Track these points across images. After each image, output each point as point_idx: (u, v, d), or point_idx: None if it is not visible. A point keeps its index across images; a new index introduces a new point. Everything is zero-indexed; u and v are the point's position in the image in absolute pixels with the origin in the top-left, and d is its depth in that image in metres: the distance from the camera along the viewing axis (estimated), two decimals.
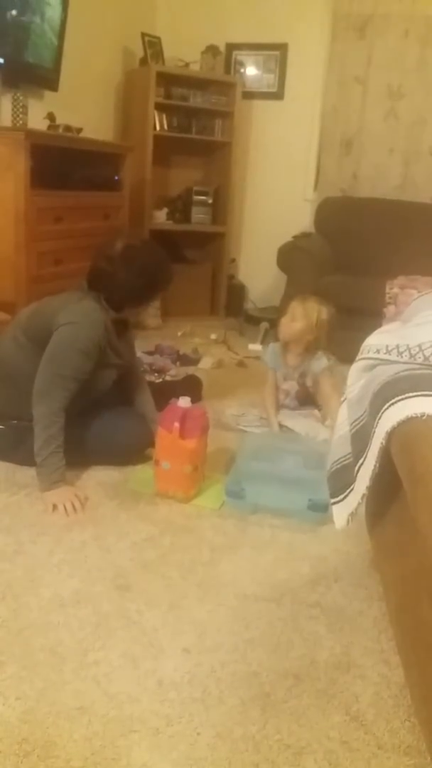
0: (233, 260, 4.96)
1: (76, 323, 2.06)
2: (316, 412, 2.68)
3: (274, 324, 3.99)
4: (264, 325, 4.22)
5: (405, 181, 4.45)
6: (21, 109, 3.12)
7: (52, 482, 2.00)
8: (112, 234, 2.23)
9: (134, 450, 2.30)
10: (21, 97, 3.12)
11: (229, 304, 4.87)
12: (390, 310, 3.40)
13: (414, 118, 4.35)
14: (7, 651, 1.40)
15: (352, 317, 3.29)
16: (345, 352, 2.11)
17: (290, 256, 3.89)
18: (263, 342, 4.01)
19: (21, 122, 3.12)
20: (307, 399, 2.71)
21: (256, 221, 4.91)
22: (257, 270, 4.84)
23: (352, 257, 4.08)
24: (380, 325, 1.82)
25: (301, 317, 2.60)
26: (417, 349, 1.29)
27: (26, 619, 1.50)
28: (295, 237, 4.14)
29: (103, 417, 2.28)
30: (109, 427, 2.27)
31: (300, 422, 2.60)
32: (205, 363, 3.49)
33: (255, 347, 3.93)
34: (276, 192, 4.78)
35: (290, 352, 2.70)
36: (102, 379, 2.22)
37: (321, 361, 2.63)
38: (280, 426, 2.61)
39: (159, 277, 2.23)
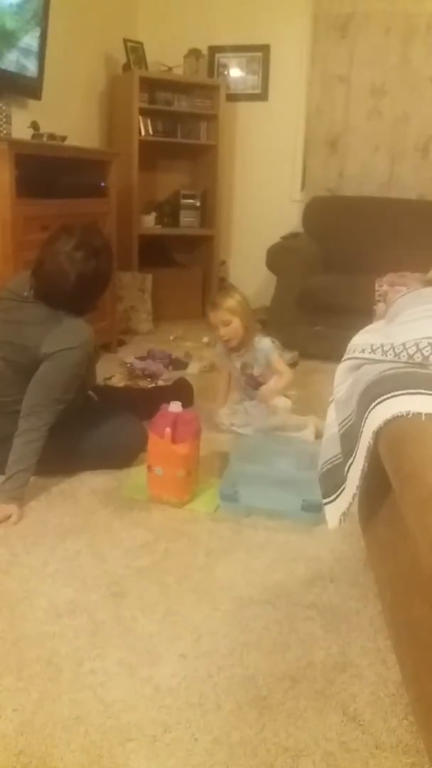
0: (223, 263, 4.96)
1: (73, 348, 2.04)
2: (281, 400, 2.66)
3: (265, 325, 4.01)
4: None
5: (391, 178, 4.46)
6: (4, 119, 3.12)
7: (9, 497, 1.98)
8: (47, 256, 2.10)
9: (136, 451, 2.31)
10: (4, 107, 3.12)
11: None
12: (380, 307, 3.40)
13: (398, 115, 4.36)
14: (2, 663, 1.40)
15: (342, 316, 3.31)
16: (336, 351, 2.11)
17: (279, 257, 3.89)
18: None
19: (5, 132, 3.12)
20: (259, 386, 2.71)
21: (245, 223, 4.91)
22: (247, 272, 4.83)
23: (341, 256, 4.09)
24: (370, 323, 1.83)
25: (230, 315, 2.59)
26: (401, 347, 1.29)
27: (21, 630, 1.50)
28: (283, 237, 4.15)
29: (100, 421, 2.29)
30: (109, 430, 2.28)
31: (276, 418, 2.60)
32: (193, 367, 3.48)
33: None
34: (263, 193, 4.79)
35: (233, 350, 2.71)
36: (92, 374, 2.27)
37: (265, 344, 2.63)
38: (270, 431, 2.61)
39: (107, 275, 2.19)
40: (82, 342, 2.07)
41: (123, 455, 2.31)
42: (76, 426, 2.22)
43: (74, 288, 2.06)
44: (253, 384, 2.70)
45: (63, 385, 2.05)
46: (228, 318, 2.59)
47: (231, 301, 2.61)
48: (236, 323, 2.60)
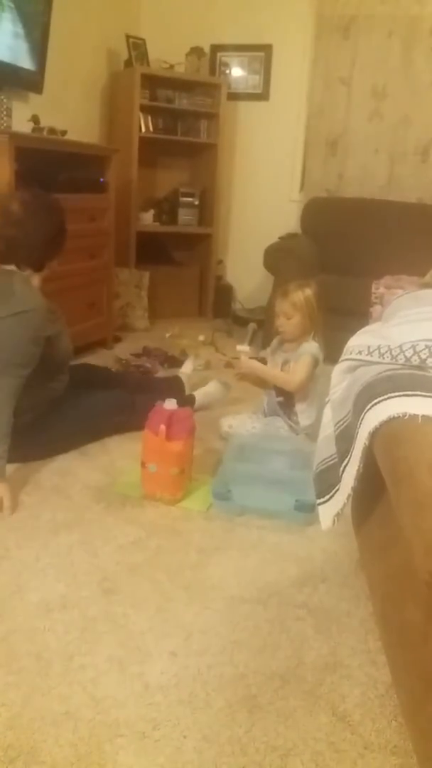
0: (220, 261, 4.96)
1: (24, 312, 2.06)
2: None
3: (261, 325, 4.01)
4: (252, 326, 4.22)
5: (390, 181, 4.46)
6: (5, 112, 3.11)
7: None
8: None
9: (123, 412, 2.44)
10: (5, 100, 3.11)
11: (217, 305, 4.87)
12: (376, 310, 3.40)
13: (399, 118, 4.36)
14: None
15: (339, 317, 3.29)
16: (332, 352, 2.11)
17: (277, 257, 3.89)
18: (251, 343, 4.01)
19: (5, 125, 3.10)
20: (282, 394, 2.66)
21: (243, 222, 4.91)
22: (244, 271, 4.84)
23: (339, 257, 4.09)
24: (367, 325, 1.83)
25: (293, 310, 2.53)
26: (398, 350, 1.29)
27: (12, 625, 1.50)
28: (281, 238, 4.14)
29: (83, 396, 2.41)
30: (93, 400, 2.42)
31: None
32: (187, 367, 3.45)
33: (243, 348, 3.93)
34: (262, 193, 4.79)
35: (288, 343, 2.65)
36: (63, 345, 2.31)
37: (310, 347, 2.54)
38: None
39: (61, 219, 2.26)
40: (32, 306, 2.10)
41: (110, 417, 2.44)
42: (63, 400, 2.32)
43: (37, 230, 2.15)
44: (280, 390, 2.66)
45: (20, 350, 2.07)
46: (291, 312, 2.54)
47: (300, 296, 2.53)
48: (296, 320, 2.54)
